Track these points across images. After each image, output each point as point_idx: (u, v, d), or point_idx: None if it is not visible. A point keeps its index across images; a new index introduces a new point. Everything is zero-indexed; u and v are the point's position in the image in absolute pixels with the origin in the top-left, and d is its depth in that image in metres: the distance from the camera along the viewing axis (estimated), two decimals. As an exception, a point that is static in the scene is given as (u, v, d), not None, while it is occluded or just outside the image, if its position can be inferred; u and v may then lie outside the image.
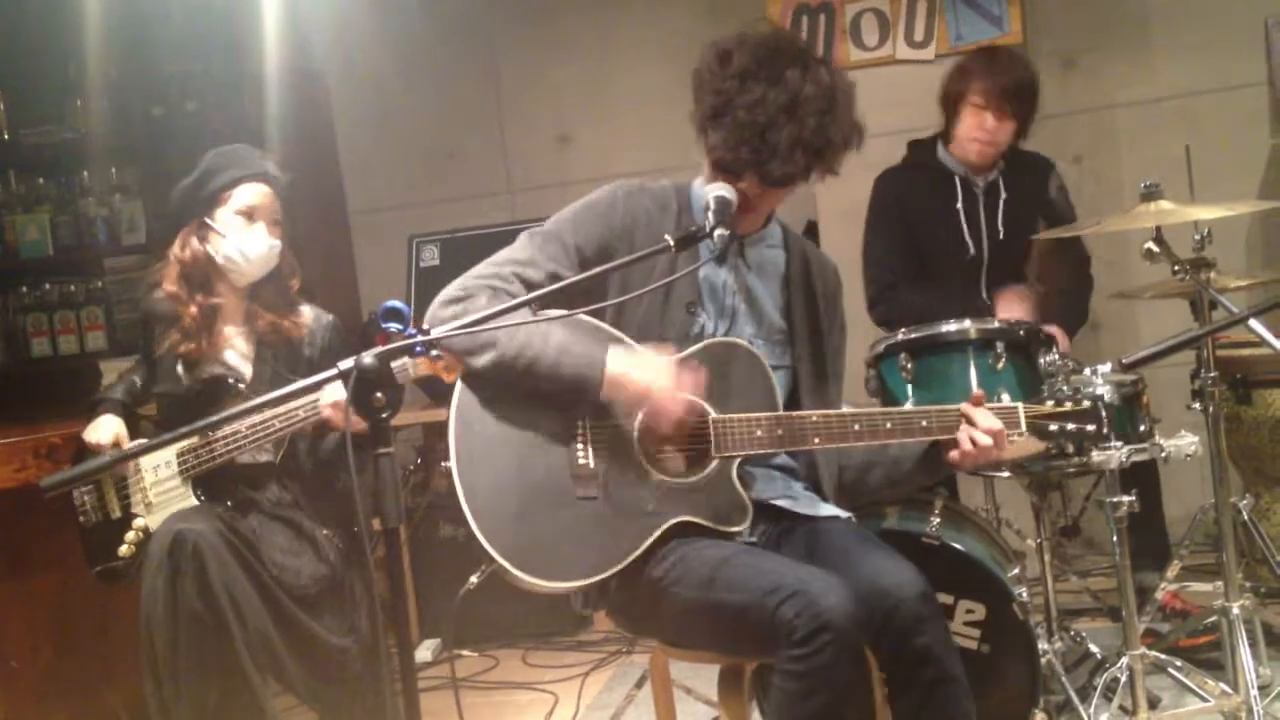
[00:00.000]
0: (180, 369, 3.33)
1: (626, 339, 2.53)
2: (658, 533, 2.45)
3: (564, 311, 2.42)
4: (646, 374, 2.41)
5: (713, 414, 2.49)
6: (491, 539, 2.38)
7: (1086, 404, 2.55)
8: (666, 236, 2.34)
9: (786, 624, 2.22)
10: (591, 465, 2.46)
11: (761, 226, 2.66)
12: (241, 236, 3.28)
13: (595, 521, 2.45)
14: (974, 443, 2.47)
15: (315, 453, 3.32)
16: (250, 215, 3.29)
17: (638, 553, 2.45)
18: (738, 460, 2.49)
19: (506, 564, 2.37)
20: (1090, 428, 2.54)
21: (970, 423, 2.49)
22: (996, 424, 2.48)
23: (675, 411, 2.43)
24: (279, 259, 3.36)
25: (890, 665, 2.37)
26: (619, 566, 2.44)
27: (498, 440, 2.45)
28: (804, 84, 2.38)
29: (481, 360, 2.42)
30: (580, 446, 2.47)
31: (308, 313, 3.41)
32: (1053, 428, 2.55)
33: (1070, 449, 2.65)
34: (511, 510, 2.42)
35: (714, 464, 2.48)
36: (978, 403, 2.51)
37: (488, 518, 2.39)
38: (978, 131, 3.86)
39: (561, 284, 2.38)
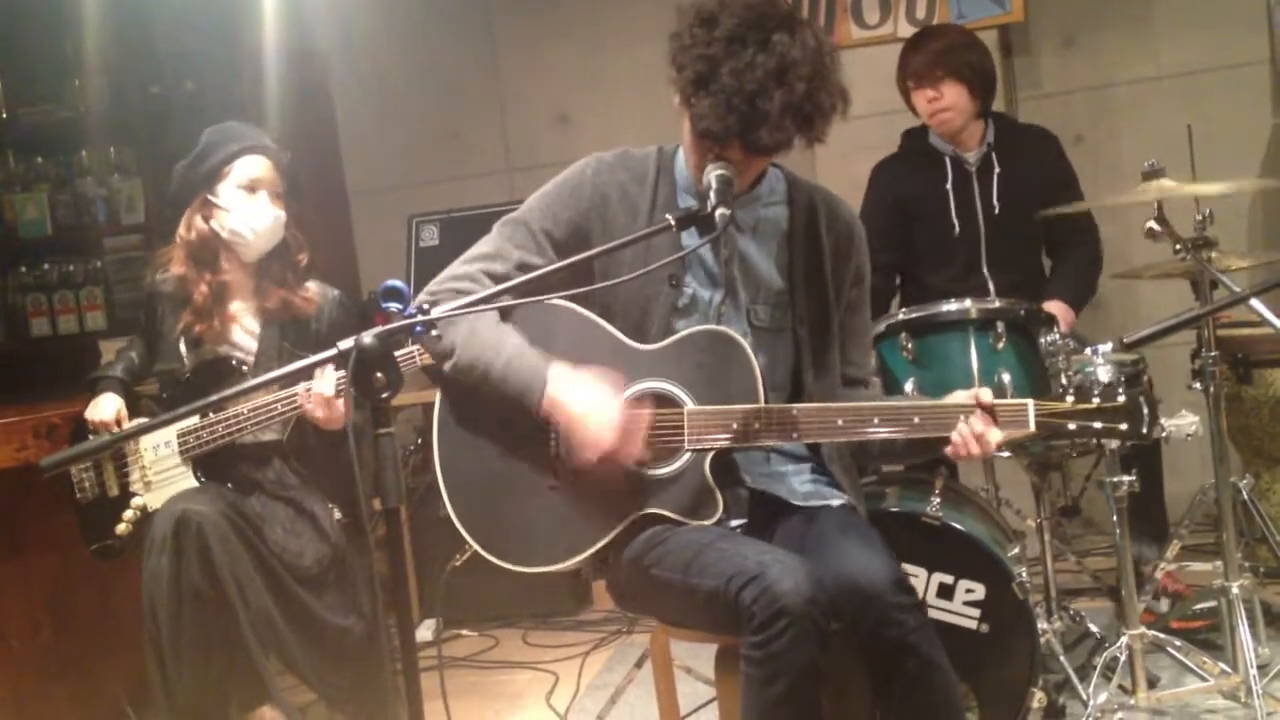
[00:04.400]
0: (184, 348, 3.33)
1: (612, 328, 2.53)
2: (624, 523, 2.47)
3: (556, 294, 2.44)
4: (583, 409, 2.41)
5: (688, 405, 2.47)
6: (466, 523, 2.53)
7: (1122, 398, 2.36)
8: (668, 216, 2.33)
9: (746, 609, 2.22)
10: (562, 455, 2.50)
11: (751, 187, 2.58)
12: (246, 209, 3.27)
13: (564, 510, 2.49)
14: (967, 445, 2.38)
15: (323, 430, 3.33)
16: (252, 188, 3.28)
17: (604, 542, 2.48)
18: (711, 453, 2.46)
19: (477, 547, 2.52)
20: (1124, 426, 2.37)
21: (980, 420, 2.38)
22: (994, 438, 2.37)
23: (596, 453, 2.41)
24: (284, 232, 3.35)
25: (871, 658, 2.33)
26: (585, 555, 2.49)
27: (477, 431, 2.56)
28: (792, 48, 2.30)
29: (445, 366, 2.52)
30: (553, 437, 2.51)
31: (315, 288, 3.41)
32: (1072, 426, 2.38)
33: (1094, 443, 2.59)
34: (486, 497, 2.53)
35: (686, 456, 2.46)
36: (988, 410, 2.37)
37: (464, 504, 2.54)
38: (928, 107, 3.92)
39: (544, 270, 2.36)
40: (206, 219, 3.30)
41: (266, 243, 3.31)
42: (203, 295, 3.29)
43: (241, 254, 3.32)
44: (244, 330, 3.35)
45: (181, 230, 3.33)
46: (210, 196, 3.28)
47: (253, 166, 3.30)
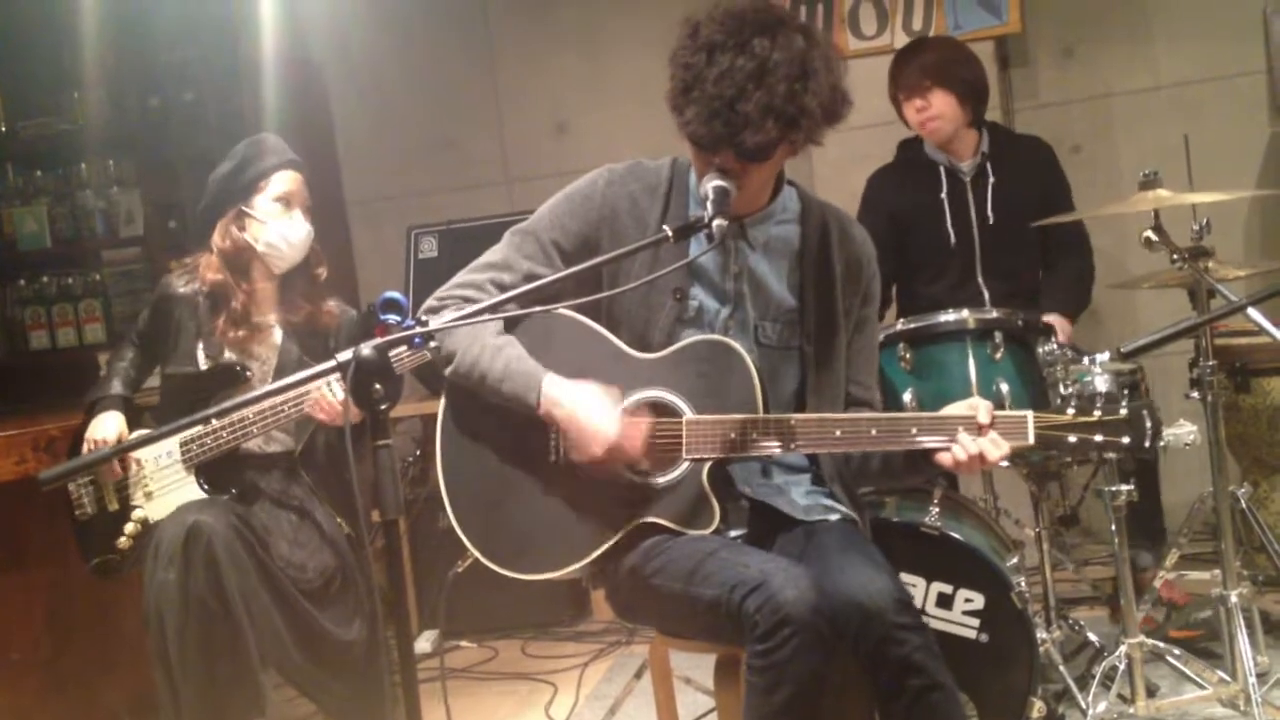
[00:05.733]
0: (201, 353, 3.35)
1: (614, 338, 2.54)
2: (622, 532, 2.47)
3: (561, 304, 2.45)
4: (582, 405, 2.42)
5: (687, 414, 2.47)
6: (466, 530, 2.54)
7: (1124, 411, 2.33)
8: (665, 228, 2.34)
9: (750, 618, 2.22)
10: (562, 463, 2.51)
11: (766, 204, 2.58)
12: (282, 223, 3.32)
13: (564, 518, 2.50)
14: (967, 454, 2.35)
15: (333, 443, 3.33)
16: (288, 202, 3.34)
17: (602, 550, 2.48)
18: (709, 462, 2.45)
19: (477, 553, 2.53)
20: (1125, 439, 2.33)
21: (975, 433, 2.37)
22: (994, 454, 2.35)
23: (598, 447, 2.40)
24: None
25: (875, 677, 2.32)
26: (583, 562, 2.50)
27: (479, 438, 2.57)
28: (773, 50, 2.30)
29: (447, 371, 2.54)
30: (553, 444, 2.52)
31: (336, 306, 3.46)
32: (1073, 439, 2.35)
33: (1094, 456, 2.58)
34: (487, 504, 2.54)
35: (684, 465, 2.46)
36: (983, 432, 2.36)
37: (465, 510, 2.55)
38: (917, 116, 3.93)
39: (549, 279, 2.37)
40: (241, 229, 3.33)
41: (299, 255, 3.37)
42: (241, 303, 3.33)
43: (273, 266, 3.36)
44: (268, 342, 3.38)
45: (216, 239, 3.36)
46: (245, 209, 3.32)
47: (288, 181, 3.35)
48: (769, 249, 2.60)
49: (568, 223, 2.57)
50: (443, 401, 2.61)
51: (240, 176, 3.33)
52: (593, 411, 2.41)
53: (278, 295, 3.41)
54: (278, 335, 3.39)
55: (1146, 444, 2.34)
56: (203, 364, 3.34)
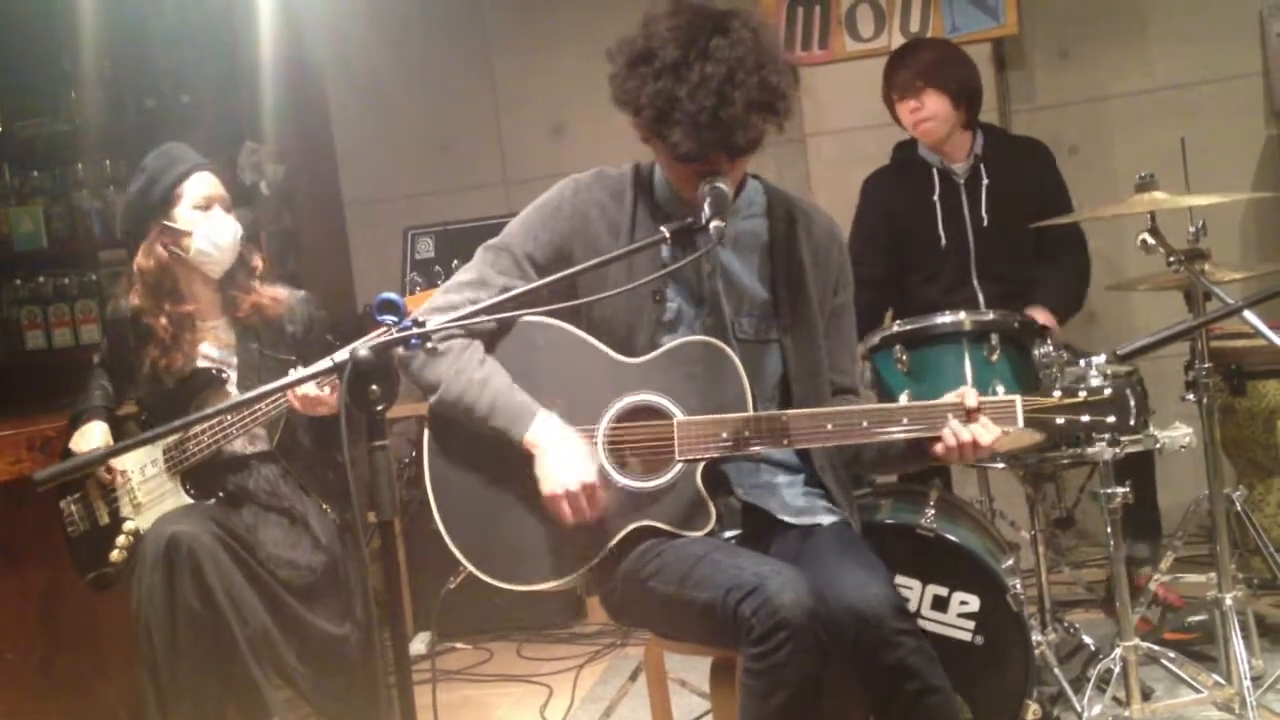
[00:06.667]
0: (162, 372, 3.32)
1: (599, 344, 2.54)
2: (618, 537, 2.47)
3: (542, 309, 2.50)
4: (557, 466, 2.42)
5: (678, 416, 2.47)
6: (460, 543, 2.53)
7: (1108, 392, 2.39)
8: (663, 229, 2.36)
9: (745, 622, 2.22)
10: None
11: (732, 199, 2.57)
12: (207, 226, 3.28)
13: (558, 526, 2.48)
14: (959, 440, 2.39)
15: (314, 428, 3.32)
16: (207, 205, 3.30)
17: (599, 557, 2.48)
18: (703, 463, 2.46)
19: (472, 567, 2.52)
20: (1110, 419, 2.40)
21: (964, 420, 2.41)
22: (986, 438, 2.38)
23: (562, 513, 2.42)
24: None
25: (870, 682, 2.33)
26: (580, 571, 2.50)
27: (468, 452, 2.56)
28: (734, 47, 2.34)
29: (431, 399, 2.54)
30: None
31: (283, 291, 3.43)
32: (1061, 421, 2.41)
33: (1081, 439, 2.59)
34: (480, 516, 2.54)
35: (678, 467, 2.46)
36: (973, 416, 2.40)
37: (457, 524, 2.54)
38: (910, 117, 3.93)
39: (528, 288, 2.39)
40: (167, 245, 3.29)
41: (232, 255, 3.33)
42: (164, 329, 3.29)
43: (209, 272, 3.33)
44: (218, 345, 3.36)
45: (140, 260, 3.32)
46: (168, 222, 3.28)
47: (203, 184, 3.31)
48: (738, 244, 2.62)
49: (539, 234, 2.59)
50: (429, 427, 2.60)
51: (153, 191, 3.28)
52: (568, 458, 2.43)
53: (221, 298, 3.38)
54: (229, 335, 3.37)
55: (1131, 422, 2.38)
56: (166, 381, 3.32)
